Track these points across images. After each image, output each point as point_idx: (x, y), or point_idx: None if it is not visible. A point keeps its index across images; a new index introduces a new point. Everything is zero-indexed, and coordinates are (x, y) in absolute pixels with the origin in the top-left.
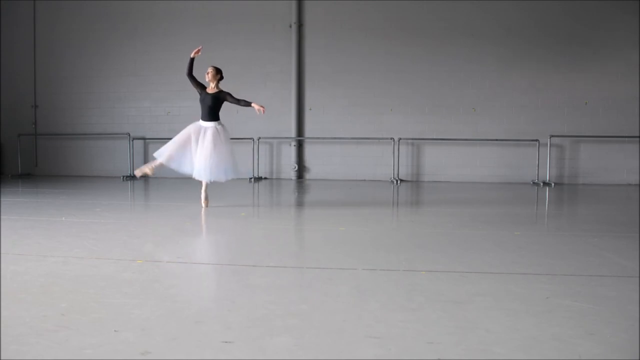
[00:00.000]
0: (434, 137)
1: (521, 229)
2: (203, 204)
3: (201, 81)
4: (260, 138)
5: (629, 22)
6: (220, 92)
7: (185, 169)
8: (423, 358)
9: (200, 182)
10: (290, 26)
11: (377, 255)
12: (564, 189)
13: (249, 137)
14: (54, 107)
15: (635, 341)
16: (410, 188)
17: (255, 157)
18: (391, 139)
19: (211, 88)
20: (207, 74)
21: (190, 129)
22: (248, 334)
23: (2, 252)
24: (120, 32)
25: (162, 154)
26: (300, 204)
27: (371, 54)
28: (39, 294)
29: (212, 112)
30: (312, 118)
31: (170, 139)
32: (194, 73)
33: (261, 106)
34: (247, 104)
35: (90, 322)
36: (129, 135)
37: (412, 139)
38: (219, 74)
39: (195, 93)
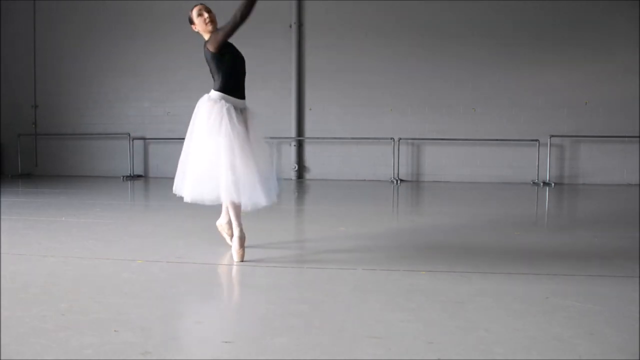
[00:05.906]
0: (434, 137)
1: (521, 229)
2: (241, 256)
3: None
4: None
5: (629, 22)
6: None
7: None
8: (423, 358)
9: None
10: (290, 26)
11: (377, 255)
12: (564, 189)
13: None
14: (54, 107)
15: (635, 341)
16: (410, 188)
17: None
18: (391, 139)
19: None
20: (205, 17)
21: (213, 118)
22: (248, 334)
23: (2, 252)
24: (120, 32)
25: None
26: (300, 203)
27: (371, 54)
28: (39, 294)
29: (243, 81)
30: (312, 118)
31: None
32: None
33: None
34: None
35: (90, 322)
36: (129, 135)
37: (412, 139)
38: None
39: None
